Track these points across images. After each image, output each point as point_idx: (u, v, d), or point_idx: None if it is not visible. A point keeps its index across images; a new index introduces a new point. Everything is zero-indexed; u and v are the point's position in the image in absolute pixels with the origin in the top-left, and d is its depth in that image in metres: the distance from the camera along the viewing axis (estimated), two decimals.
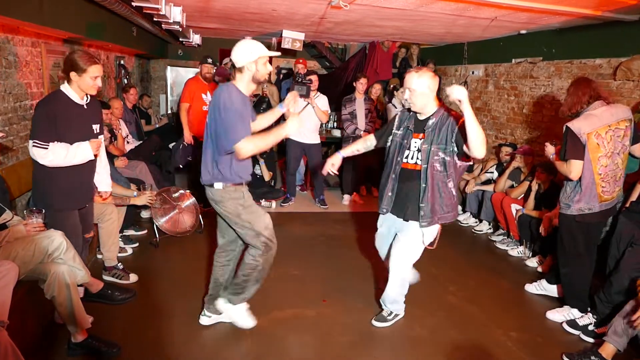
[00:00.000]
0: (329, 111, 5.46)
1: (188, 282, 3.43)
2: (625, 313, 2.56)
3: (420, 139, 2.67)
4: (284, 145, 5.61)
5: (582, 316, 3.08)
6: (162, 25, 4.91)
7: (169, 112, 8.25)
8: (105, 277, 3.34)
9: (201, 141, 2.68)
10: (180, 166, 5.13)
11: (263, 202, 5.44)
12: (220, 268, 2.85)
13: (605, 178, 2.91)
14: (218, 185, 2.53)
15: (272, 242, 2.67)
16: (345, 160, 5.78)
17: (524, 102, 5.36)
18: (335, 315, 3.11)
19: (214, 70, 5.23)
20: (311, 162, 5.58)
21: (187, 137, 4.92)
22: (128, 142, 5.02)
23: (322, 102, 5.28)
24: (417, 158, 2.68)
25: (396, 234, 2.89)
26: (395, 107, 5.86)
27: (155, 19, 4.50)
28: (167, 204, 4.17)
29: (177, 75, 8.66)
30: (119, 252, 3.63)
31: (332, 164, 2.90)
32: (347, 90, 6.33)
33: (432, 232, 2.75)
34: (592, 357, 2.61)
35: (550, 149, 3.13)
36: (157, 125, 6.63)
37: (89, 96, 2.71)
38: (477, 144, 2.36)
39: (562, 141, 2.97)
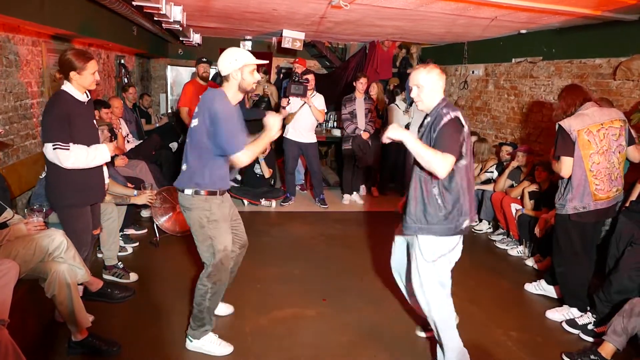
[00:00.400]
0: (326, 110, 5.46)
1: (188, 281, 3.43)
2: (624, 312, 2.56)
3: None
4: (282, 144, 5.62)
5: (581, 315, 3.09)
6: (163, 25, 4.91)
7: (169, 111, 8.26)
8: (106, 276, 3.34)
9: None
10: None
11: (263, 201, 5.45)
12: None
13: (598, 176, 2.92)
14: (188, 192, 2.46)
15: (225, 267, 2.53)
16: (346, 160, 5.84)
17: (524, 101, 5.36)
18: (335, 314, 3.11)
19: (209, 69, 5.32)
20: (308, 161, 5.59)
21: None
22: (128, 142, 5.02)
23: (318, 101, 5.28)
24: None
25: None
26: (399, 108, 5.87)
27: (155, 18, 4.50)
28: (168, 203, 4.18)
29: (177, 75, 8.66)
30: (119, 251, 3.63)
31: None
32: (347, 89, 6.33)
33: (429, 244, 2.38)
34: (592, 357, 2.61)
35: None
36: (157, 125, 6.63)
37: (88, 93, 2.73)
38: (428, 167, 2.18)
39: (555, 140, 3.01)
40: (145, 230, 4.38)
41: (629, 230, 3.01)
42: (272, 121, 2.44)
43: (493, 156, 5.24)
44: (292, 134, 5.35)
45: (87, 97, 2.72)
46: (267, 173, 5.51)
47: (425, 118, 2.45)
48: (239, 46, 8.06)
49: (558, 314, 3.20)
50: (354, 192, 5.90)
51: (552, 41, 4.88)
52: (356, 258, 4.12)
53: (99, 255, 3.58)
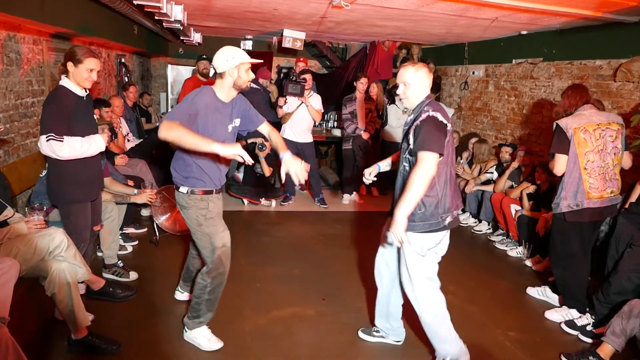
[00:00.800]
0: (323, 110, 5.45)
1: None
2: (623, 313, 2.57)
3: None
4: None
5: (580, 316, 3.09)
6: (163, 24, 4.92)
7: (170, 110, 8.26)
8: (105, 275, 3.34)
9: None
10: None
11: (263, 200, 5.45)
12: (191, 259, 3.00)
13: (592, 174, 2.95)
14: (183, 190, 2.49)
15: (224, 263, 2.55)
16: (345, 160, 5.84)
17: (524, 102, 5.37)
18: (335, 314, 3.12)
19: (209, 66, 5.37)
20: (305, 161, 5.56)
21: None
22: (128, 140, 5.02)
23: (315, 101, 5.27)
24: (403, 156, 2.44)
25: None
26: (399, 107, 5.87)
27: (156, 18, 4.51)
28: (167, 202, 4.18)
29: (178, 74, 8.64)
30: (119, 250, 3.64)
31: (370, 173, 2.74)
32: (348, 89, 6.33)
33: (416, 240, 2.35)
34: (590, 357, 2.61)
35: None
36: (158, 124, 6.63)
37: (86, 89, 2.73)
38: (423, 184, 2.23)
39: (551, 138, 3.06)
40: (145, 229, 4.38)
41: (628, 231, 3.02)
42: (220, 148, 2.12)
43: (493, 157, 5.25)
44: (288, 133, 5.34)
45: (86, 92, 2.73)
46: (267, 172, 5.50)
47: (410, 116, 2.44)
48: (239, 46, 8.08)
49: (557, 315, 3.20)
50: (354, 192, 5.90)
51: (553, 42, 4.88)
52: (356, 258, 4.13)
53: (99, 254, 3.59)
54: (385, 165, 2.81)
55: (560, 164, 2.99)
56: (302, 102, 5.16)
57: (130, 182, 3.91)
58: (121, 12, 4.12)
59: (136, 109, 5.87)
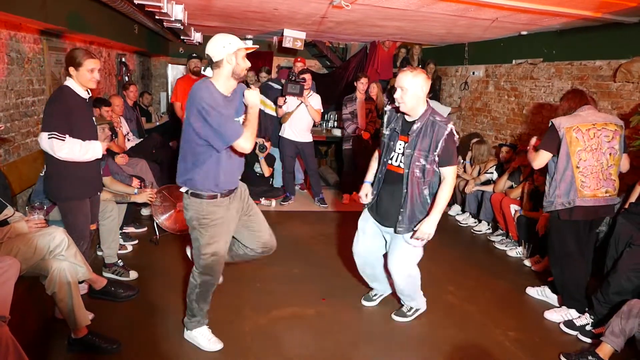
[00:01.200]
0: (322, 110, 5.46)
1: (187, 280, 3.43)
2: (622, 313, 2.57)
3: (405, 143, 2.61)
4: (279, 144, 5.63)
5: (579, 316, 3.10)
6: (164, 23, 4.92)
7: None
8: (105, 274, 3.34)
9: None
10: None
11: (263, 200, 5.45)
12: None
13: (584, 172, 2.97)
14: (183, 189, 2.40)
15: (212, 272, 2.49)
16: (346, 160, 5.84)
17: (524, 103, 5.37)
18: (335, 314, 3.12)
19: (200, 64, 5.48)
20: (305, 161, 5.59)
21: None
22: (129, 140, 5.03)
23: (315, 101, 5.27)
24: (400, 161, 2.64)
25: (386, 242, 2.91)
26: None
27: (157, 17, 4.51)
28: (168, 202, 4.18)
29: (178, 74, 8.64)
30: (119, 249, 3.64)
31: (366, 195, 2.86)
32: (348, 89, 6.34)
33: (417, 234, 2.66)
34: (590, 357, 2.62)
35: (532, 141, 3.30)
36: (158, 123, 6.64)
37: (89, 91, 2.76)
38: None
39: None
40: (145, 229, 4.38)
41: (628, 231, 3.03)
42: (251, 97, 2.31)
43: (493, 157, 5.26)
44: (288, 133, 5.35)
45: (88, 94, 2.76)
46: (267, 172, 5.51)
47: (413, 123, 2.59)
48: None
49: (556, 315, 3.21)
50: (354, 192, 5.90)
51: (553, 43, 4.88)
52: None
53: (99, 253, 3.59)
54: (371, 176, 2.94)
55: (541, 159, 3.08)
56: (302, 102, 5.16)
57: (136, 181, 3.90)
58: (122, 11, 4.12)
59: (136, 108, 5.87)
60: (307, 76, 5.17)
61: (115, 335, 2.62)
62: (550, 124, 3.06)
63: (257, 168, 5.50)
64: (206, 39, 8.18)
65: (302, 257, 4.03)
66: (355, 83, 5.60)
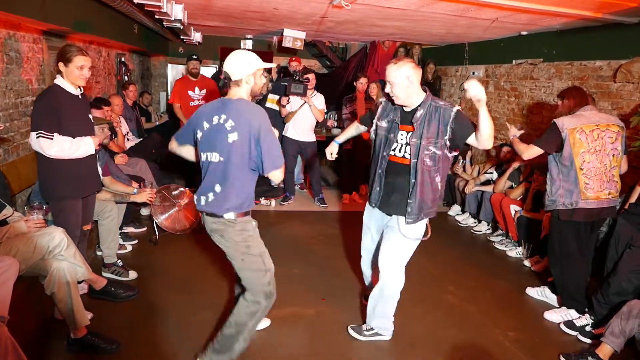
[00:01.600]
0: (325, 110, 5.47)
1: (187, 280, 3.44)
2: (622, 314, 2.57)
3: (408, 132, 2.52)
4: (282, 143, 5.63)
5: (579, 317, 3.10)
6: (164, 23, 4.92)
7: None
8: (105, 274, 3.34)
9: None
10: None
11: (263, 200, 5.45)
12: None
13: (588, 174, 2.96)
14: (230, 215, 2.23)
15: (273, 289, 2.38)
16: (345, 160, 5.84)
17: (524, 103, 5.37)
18: (334, 314, 3.12)
19: (199, 66, 5.52)
20: (307, 161, 5.59)
21: None
22: (128, 140, 5.02)
23: (318, 101, 5.28)
24: (406, 152, 2.54)
25: (383, 231, 2.77)
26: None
27: (156, 17, 4.51)
28: (167, 202, 4.18)
29: (178, 73, 8.64)
30: (119, 249, 3.64)
31: (331, 153, 2.98)
32: (348, 89, 6.33)
33: (419, 226, 2.61)
34: (589, 358, 2.62)
35: (512, 130, 3.34)
36: (158, 123, 6.63)
37: (81, 88, 2.75)
38: (488, 139, 2.44)
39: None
40: (145, 228, 4.38)
41: (628, 232, 3.03)
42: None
43: (492, 157, 5.25)
44: (291, 132, 5.35)
45: (80, 90, 2.74)
46: None
47: (414, 112, 2.52)
48: (239, 45, 8.08)
49: (556, 315, 3.21)
50: (354, 192, 5.90)
51: (553, 43, 4.88)
52: (355, 257, 4.11)
53: (99, 253, 3.59)
54: (343, 138, 3.12)
55: (530, 153, 3.09)
56: (305, 102, 5.17)
57: (135, 184, 3.90)
58: (121, 10, 4.12)
59: (136, 108, 5.87)
60: (311, 76, 5.17)
61: (115, 335, 2.62)
62: (552, 123, 3.04)
63: None
64: (206, 38, 8.17)
65: (302, 257, 4.03)
66: (354, 83, 5.60)
